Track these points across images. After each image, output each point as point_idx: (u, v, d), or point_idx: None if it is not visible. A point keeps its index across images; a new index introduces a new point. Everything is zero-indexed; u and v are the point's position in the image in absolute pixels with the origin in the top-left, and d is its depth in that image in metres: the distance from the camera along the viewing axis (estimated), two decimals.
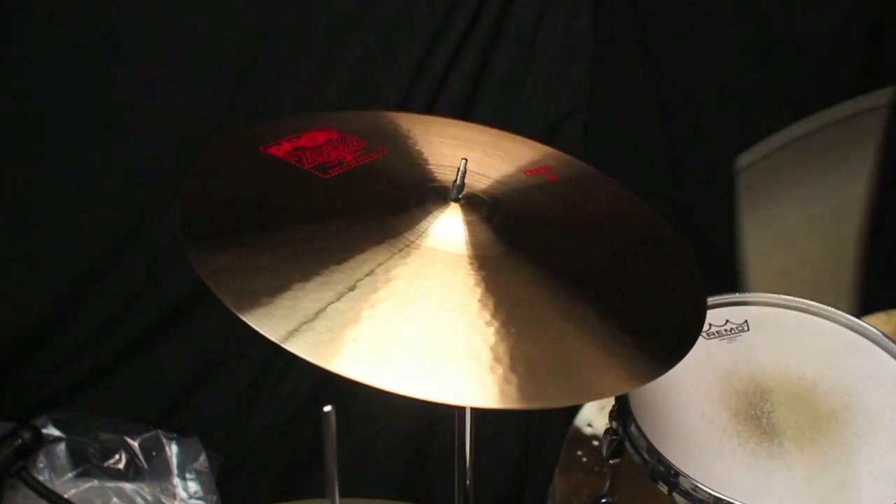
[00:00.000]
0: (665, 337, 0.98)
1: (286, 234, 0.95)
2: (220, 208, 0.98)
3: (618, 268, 1.05)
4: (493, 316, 0.90)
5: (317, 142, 1.09)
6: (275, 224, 0.96)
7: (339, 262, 0.91)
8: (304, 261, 0.91)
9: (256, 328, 0.84)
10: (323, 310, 0.86)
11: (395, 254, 0.93)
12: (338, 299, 0.87)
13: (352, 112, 1.19)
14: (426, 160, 1.11)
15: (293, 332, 0.84)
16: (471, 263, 0.95)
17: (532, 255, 1.00)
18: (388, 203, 1.01)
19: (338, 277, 0.89)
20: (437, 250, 0.95)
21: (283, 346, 0.83)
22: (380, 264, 0.92)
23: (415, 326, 0.87)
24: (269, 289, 0.87)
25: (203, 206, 0.98)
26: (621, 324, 0.95)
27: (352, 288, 0.89)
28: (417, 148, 1.13)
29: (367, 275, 0.90)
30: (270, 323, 0.84)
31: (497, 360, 0.86)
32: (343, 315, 0.86)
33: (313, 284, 0.88)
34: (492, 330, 0.88)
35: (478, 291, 0.92)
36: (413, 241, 0.96)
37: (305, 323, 0.85)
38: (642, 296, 1.02)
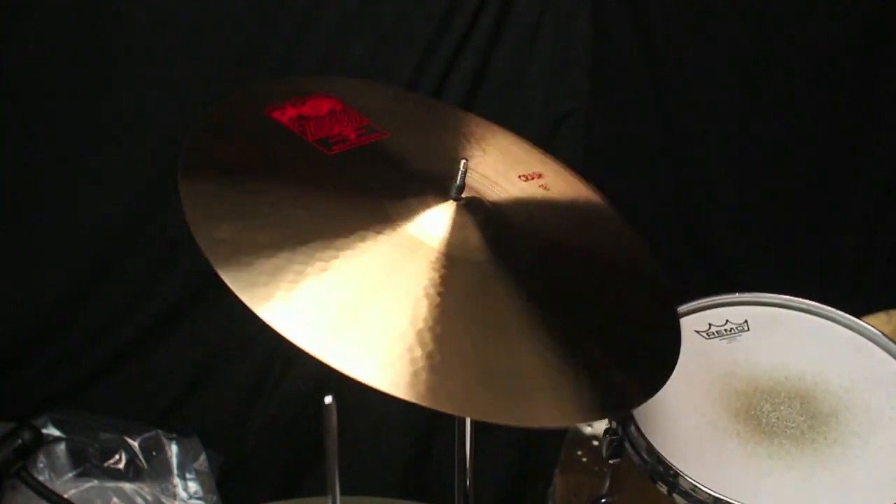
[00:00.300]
0: (623, 381, 0.97)
1: (285, 209, 0.95)
2: (221, 174, 0.97)
3: (596, 300, 1.04)
4: (437, 312, 0.89)
5: (320, 111, 1.08)
6: (275, 197, 0.96)
7: (327, 239, 0.91)
8: (297, 238, 0.91)
9: (225, 280, 0.85)
10: (281, 266, 0.87)
11: (377, 235, 0.94)
12: (312, 269, 0.88)
13: (357, 81, 1.18)
14: (429, 149, 1.11)
15: (245, 273, 0.85)
16: (440, 260, 0.95)
17: (517, 270, 0.99)
18: (389, 189, 1.01)
19: (321, 253, 0.90)
20: (417, 239, 0.95)
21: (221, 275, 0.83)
22: (362, 246, 0.92)
23: (348, 295, 0.88)
24: (257, 257, 0.87)
25: (205, 170, 0.97)
26: (583, 359, 0.94)
27: (326, 259, 0.89)
28: (421, 134, 1.13)
29: (348, 253, 0.91)
30: (239, 279, 0.85)
31: (417, 351, 0.85)
32: (290, 270, 0.87)
33: (297, 255, 0.89)
34: (428, 324, 0.88)
35: (432, 287, 0.91)
36: (399, 228, 0.96)
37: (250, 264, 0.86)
38: (611, 334, 1.01)
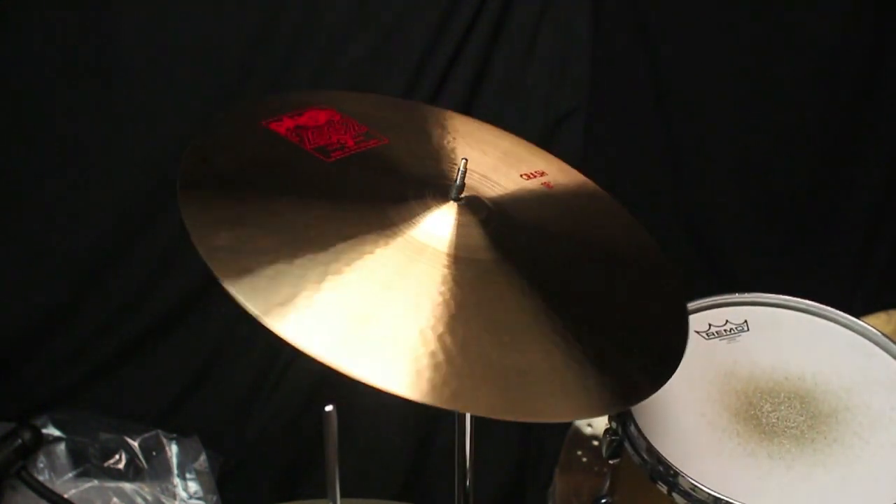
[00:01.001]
0: (631, 371, 0.96)
1: (286, 217, 0.94)
2: (221, 183, 0.97)
3: (603, 294, 1.04)
4: (443, 312, 0.89)
5: (318, 122, 1.08)
6: (275, 205, 0.96)
7: (329, 245, 0.91)
8: (298, 244, 0.91)
9: (234, 294, 0.84)
10: (294, 280, 0.87)
11: (381, 240, 0.93)
12: (314, 274, 0.88)
13: (352, 93, 1.18)
14: (427, 153, 1.11)
15: (248, 282, 0.85)
16: (443, 260, 0.95)
17: (522, 266, 0.99)
18: (388, 193, 1.01)
19: (323, 259, 0.90)
20: (419, 242, 0.95)
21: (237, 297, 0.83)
22: (367, 251, 0.92)
23: (357, 301, 0.87)
24: (259, 264, 0.87)
25: (204, 180, 0.97)
26: (591, 351, 0.93)
27: (328, 264, 0.89)
28: (418, 139, 1.13)
29: (352, 259, 0.91)
30: (247, 290, 0.85)
31: (424, 352, 0.85)
32: (298, 278, 0.87)
33: (299, 261, 0.89)
34: (435, 325, 0.88)
35: (436, 287, 0.92)
36: (403, 232, 0.96)
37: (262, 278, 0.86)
38: (619, 325, 1.01)
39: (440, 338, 0.87)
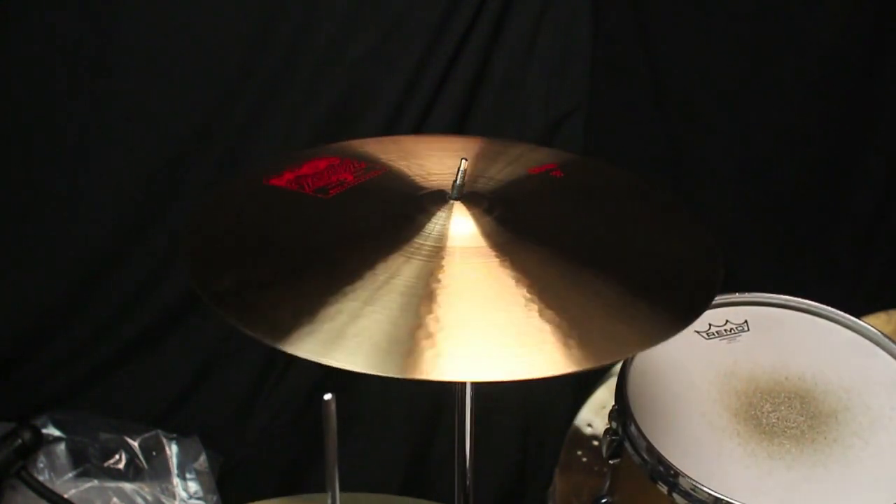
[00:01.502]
0: (679, 295, 0.97)
1: (287, 249, 0.96)
2: (226, 245, 0.99)
3: (625, 237, 1.05)
4: (524, 297, 0.90)
5: (318, 168, 1.10)
6: (282, 248, 0.97)
7: (357, 276, 0.91)
8: (324, 281, 0.91)
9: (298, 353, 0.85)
10: (349, 317, 0.88)
11: (411, 256, 0.94)
12: (362, 307, 0.88)
13: (357, 140, 1.20)
14: (424, 172, 1.11)
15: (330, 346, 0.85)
16: (491, 252, 0.95)
17: (537, 237, 0.99)
18: (391, 213, 1.01)
19: (357, 288, 0.90)
20: (455, 247, 0.96)
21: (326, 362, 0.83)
22: (396, 270, 0.92)
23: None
24: (300, 313, 0.88)
25: (209, 247, 0.99)
26: (632, 288, 0.94)
27: (372, 295, 0.90)
28: (417, 162, 1.14)
29: (384, 283, 0.91)
30: (312, 343, 0.86)
31: (542, 332, 0.87)
32: (354, 315, 0.87)
33: (337, 297, 0.89)
34: (526, 310, 0.89)
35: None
36: (424, 243, 0.96)
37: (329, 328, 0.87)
38: (653, 260, 1.01)
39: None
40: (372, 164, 1.11)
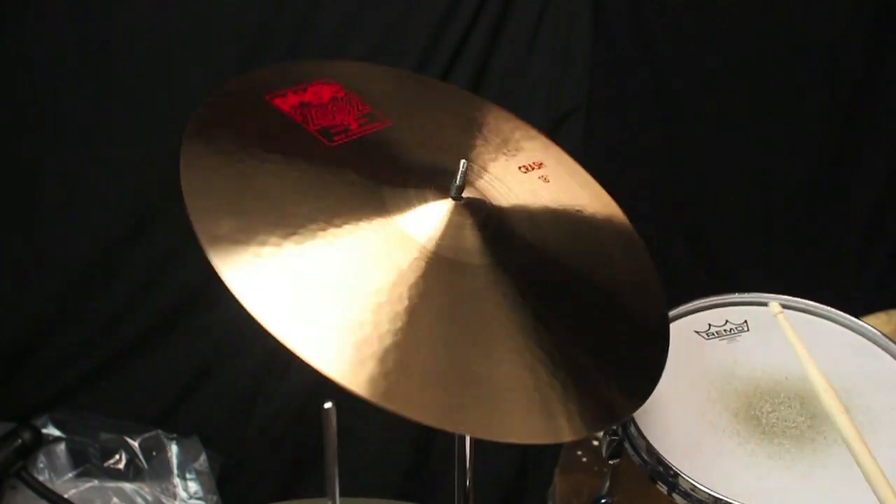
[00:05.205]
0: (611, 395, 0.95)
1: (285, 201, 0.93)
2: (222, 163, 0.95)
3: (588, 315, 1.02)
4: (410, 309, 0.87)
5: (322, 99, 1.06)
6: (275, 190, 0.94)
7: (311, 220, 0.90)
8: (279, 215, 0.90)
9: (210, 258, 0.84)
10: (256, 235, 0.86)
11: (364, 219, 0.92)
12: (279, 235, 0.87)
13: (357, 65, 1.17)
14: (430, 138, 1.09)
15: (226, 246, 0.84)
16: (426, 257, 0.93)
17: (511, 277, 0.97)
18: (388, 180, 0.99)
19: (296, 225, 0.89)
20: (406, 234, 0.94)
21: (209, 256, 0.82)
22: (344, 226, 0.91)
23: (316, 274, 0.86)
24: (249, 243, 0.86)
25: (205, 158, 0.95)
26: (572, 373, 0.91)
27: (298, 229, 0.88)
28: (422, 122, 1.11)
29: (323, 230, 0.89)
30: (222, 253, 0.84)
31: (375, 346, 0.83)
32: (266, 243, 0.86)
33: (286, 242, 0.87)
34: (395, 320, 0.86)
35: (411, 283, 0.90)
36: (391, 218, 0.94)
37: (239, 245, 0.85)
38: (603, 348, 0.99)
39: (397, 332, 0.84)
40: (375, 109, 1.08)
